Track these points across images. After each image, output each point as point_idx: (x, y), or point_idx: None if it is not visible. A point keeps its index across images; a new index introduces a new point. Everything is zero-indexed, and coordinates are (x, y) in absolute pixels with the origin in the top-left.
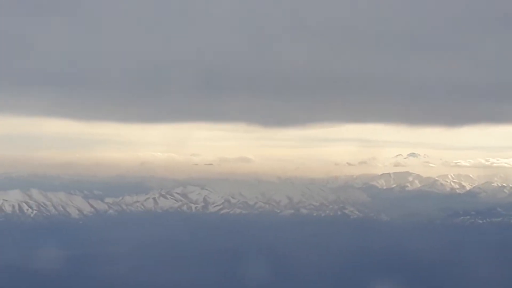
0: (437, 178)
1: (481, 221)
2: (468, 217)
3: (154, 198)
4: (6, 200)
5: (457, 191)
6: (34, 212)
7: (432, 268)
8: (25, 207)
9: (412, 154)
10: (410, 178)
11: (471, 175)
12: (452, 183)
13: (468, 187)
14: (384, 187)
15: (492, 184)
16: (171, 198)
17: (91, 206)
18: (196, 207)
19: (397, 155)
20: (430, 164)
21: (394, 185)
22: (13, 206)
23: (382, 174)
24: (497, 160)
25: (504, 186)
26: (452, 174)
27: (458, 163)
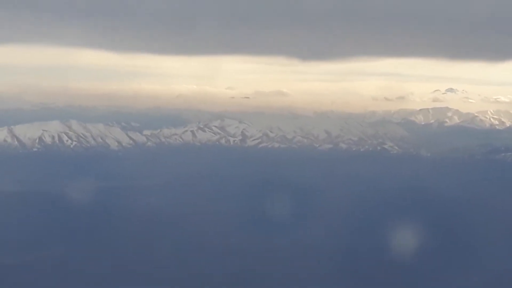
0: (476, 114)
1: None
2: (510, 153)
3: (192, 131)
4: (46, 130)
5: (497, 127)
6: (74, 143)
7: (474, 204)
8: (64, 138)
9: (450, 90)
10: (449, 114)
11: (511, 111)
12: (492, 119)
13: (508, 123)
14: (423, 123)
15: None
16: (209, 131)
17: (130, 138)
18: (234, 141)
19: (435, 91)
20: (469, 100)
21: (432, 121)
22: (53, 137)
23: (421, 109)
24: None
25: None
26: (491, 110)
27: (498, 99)
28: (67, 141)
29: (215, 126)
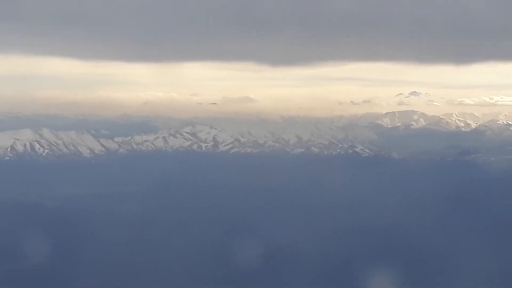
0: (442, 117)
1: (493, 158)
2: (479, 154)
3: (163, 137)
4: (17, 139)
5: (463, 129)
6: (46, 151)
7: (450, 206)
8: (36, 146)
9: (414, 93)
10: (415, 117)
11: (475, 113)
12: (457, 121)
13: (473, 125)
14: (390, 126)
15: (498, 122)
16: (181, 137)
17: (102, 145)
18: (206, 146)
19: (399, 94)
20: (434, 103)
21: (399, 124)
22: (25, 145)
23: (387, 113)
24: (501, 98)
25: (510, 124)
26: (456, 113)
27: (463, 101)
28: (39, 149)
29: (186, 132)
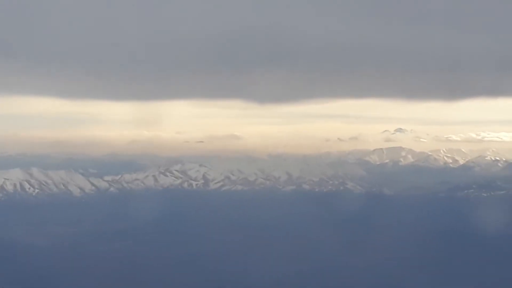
0: (429, 153)
1: (485, 194)
2: (471, 190)
3: (153, 176)
4: (7, 179)
5: (451, 165)
6: (36, 190)
7: (447, 241)
8: (26, 185)
9: (399, 130)
10: (403, 153)
11: (463, 150)
12: (445, 158)
13: (461, 162)
14: (378, 163)
15: (486, 158)
16: (171, 176)
17: (92, 184)
18: (196, 184)
19: (384, 131)
20: (420, 139)
21: (387, 160)
22: (15, 185)
23: (375, 149)
24: (488, 134)
25: (497, 160)
26: (444, 149)
27: (449, 138)
28: (29, 188)
29: (176, 170)
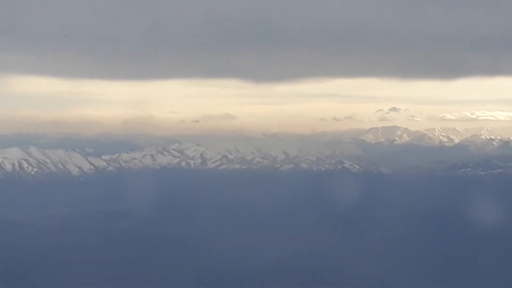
0: (425, 132)
1: (483, 173)
2: (469, 169)
3: (151, 155)
4: (5, 158)
5: (446, 144)
6: (35, 169)
7: (446, 219)
8: (25, 164)
9: (393, 109)
10: (398, 132)
11: (457, 129)
12: (441, 137)
13: (456, 140)
14: (373, 142)
15: (481, 137)
16: (168, 155)
17: (90, 163)
18: (194, 163)
19: (378, 110)
20: (415, 118)
21: (382, 139)
22: (13, 164)
23: (370, 128)
24: (482, 113)
25: (492, 139)
26: (439, 128)
27: (444, 117)
28: (27, 167)
29: (174, 150)
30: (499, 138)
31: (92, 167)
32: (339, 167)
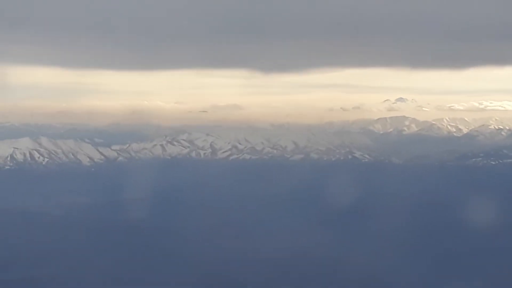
0: (433, 122)
1: (494, 163)
2: (479, 159)
3: (161, 145)
4: (16, 148)
5: (455, 134)
6: (46, 160)
7: (460, 208)
8: (36, 155)
9: (400, 99)
10: (407, 122)
11: (466, 119)
12: (449, 127)
13: (465, 130)
14: (381, 132)
15: (489, 127)
16: (178, 145)
17: (101, 153)
18: (204, 153)
19: (385, 100)
20: (423, 108)
21: (391, 130)
22: (24, 154)
23: (378, 118)
24: (490, 103)
25: (501, 129)
26: (447, 118)
27: (452, 107)
28: (38, 158)
29: (183, 140)
30: (507, 128)
31: (102, 157)
32: (350, 157)
